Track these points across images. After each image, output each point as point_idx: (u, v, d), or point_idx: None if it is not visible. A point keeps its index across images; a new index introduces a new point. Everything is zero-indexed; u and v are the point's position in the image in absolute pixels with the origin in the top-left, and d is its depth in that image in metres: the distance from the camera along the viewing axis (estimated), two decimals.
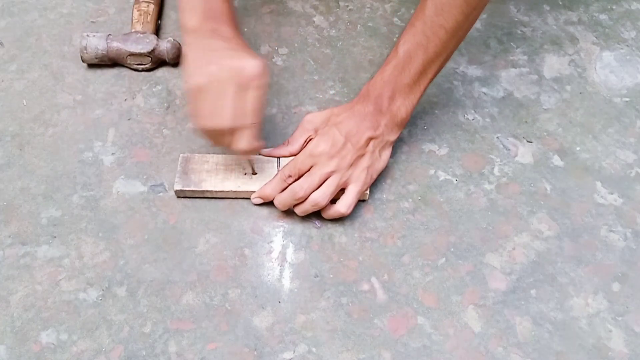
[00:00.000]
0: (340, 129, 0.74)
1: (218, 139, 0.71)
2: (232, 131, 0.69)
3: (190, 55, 0.69)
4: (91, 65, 0.91)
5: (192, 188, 0.77)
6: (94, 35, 0.88)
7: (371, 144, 0.75)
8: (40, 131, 0.84)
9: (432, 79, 0.76)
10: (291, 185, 0.74)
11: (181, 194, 0.78)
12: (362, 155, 0.74)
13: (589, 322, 0.71)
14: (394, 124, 0.76)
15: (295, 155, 0.78)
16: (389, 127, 0.76)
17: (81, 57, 0.89)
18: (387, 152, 0.78)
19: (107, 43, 0.88)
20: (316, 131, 0.78)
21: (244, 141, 0.70)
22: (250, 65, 0.67)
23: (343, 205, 0.74)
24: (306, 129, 0.79)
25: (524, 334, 0.70)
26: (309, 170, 0.74)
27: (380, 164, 0.77)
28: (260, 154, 0.79)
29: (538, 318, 0.71)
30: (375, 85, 0.75)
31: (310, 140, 0.78)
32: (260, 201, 0.77)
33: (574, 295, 0.72)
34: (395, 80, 0.75)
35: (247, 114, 0.68)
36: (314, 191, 0.73)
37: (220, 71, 0.66)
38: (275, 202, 0.76)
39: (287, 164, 0.75)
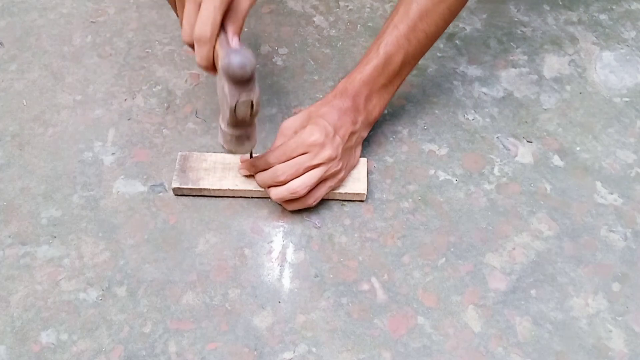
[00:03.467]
0: (328, 119, 0.73)
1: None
2: (193, 43, 0.65)
3: None
4: (92, 65, 0.91)
5: (189, 186, 0.77)
6: None
7: (352, 139, 0.76)
8: (40, 131, 0.84)
9: (404, 80, 0.78)
10: (275, 167, 0.72)
11: (179, 192, 0.78)
12: (346, 149, 0.75)
13: (589, 322, 0.71)
14: (368, 122, 0.78)
15: (275, 164, 0.74)
16: (364, 124, 0.77)
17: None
18: (359, 149, 0.79)
19: None
20: (296, 133, 0.75)
21: (197, 56, 0.65)
22: None
23: (311, 197, 0.74)
24: (286, 135, 0.76)
25: (524, 334, 0.70)
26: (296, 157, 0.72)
27: (354, 161, 0.78)
28: (240, 163, 0.78)
29: (538, 318, 0.71)
30: (354, 84, 0.75)
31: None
32: (245, 173, 0.77)
33: (574, 295, 0.72)
34: (373, 80, 0.75)
35: (200, 27, 0.63)
36: (295, 177, 0.72)
37: None
38: (256, 178, 0.75)
39: (276, 151, 0.73)
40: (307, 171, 0.72)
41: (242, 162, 0.77)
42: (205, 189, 0.77)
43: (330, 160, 0.72)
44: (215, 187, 0.77)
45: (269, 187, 0.74)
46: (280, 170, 0.72)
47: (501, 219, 0.78)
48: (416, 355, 0.68)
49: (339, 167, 0.74)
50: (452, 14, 0.76)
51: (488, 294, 0.72)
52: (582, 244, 0.76)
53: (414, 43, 0.75)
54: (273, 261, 0.74)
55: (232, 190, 0.77)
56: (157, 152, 0.83)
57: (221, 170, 0.79)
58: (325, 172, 0.73)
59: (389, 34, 0.75)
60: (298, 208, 0.76)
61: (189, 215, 0.77)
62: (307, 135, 0.72)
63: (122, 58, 0.93)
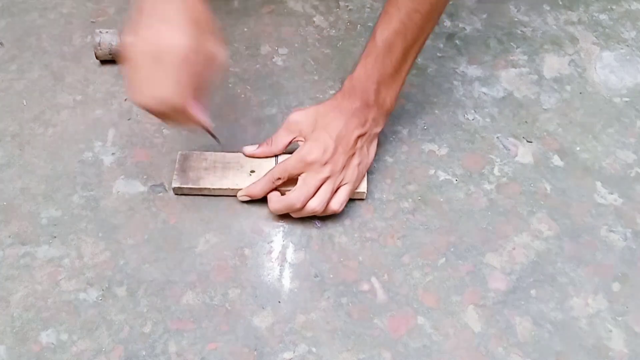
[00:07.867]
0: (330, 132, 0.73)
1: (151, 114, 0.65)
2: (159, 110, 0.63)
3: (131, 20, 0.62)
4: (92, 65, 0.91)
5: (190, 185, 0.77)
6: (107, 32, 0.89)
7: (359, 141, 0.75)
8: (40, 131, 0.84)
9: (412, 65, 0.76)
10: (287, 197, 0.73)
11: (179, 192, 0.78)
12: (352, 155, 0.75)
13: (589, 322, 0.71)
14: (380, 115, 0.77)
15: (277, 155, 0.79)
16: (376, 120, 0.77)
17: (95, 53, 0.89)
18: (374, 145, 0.78)
19: (120, 38, 0.88)
20: (301, 132, 0.77)
21: (181, 120, 0.65)
22: (168, 38, 0.59)
23: (336, 204, 0.74)
24: (291, 130, 0.77)
25: (524, 334, 0.70)
26: (298, 174, 0.74)
27: (369, 159, 0.78)
28: (244, 154, 0.79)
29: (538, 318, 0.71)
30: (360, 79, 0.75)
31: (295, 141, 0.78)
32: (247, 199, 0.77)
33: (574, 295, 0.72)
34: (378, 72, 0.74)
35: (169, 92, 0.61)
36: (309, 199, 0.73)
37: (138, 43, 0.60)
38: (270, 208, 0.75)
39: (276, 166, 0.75)
40: (318, 189, 0.73)
41: (244, 191, 0.77)
42: (205, 188, 0.77)
43: (334, 172, 0.73)
44: (215, 187, 0.77)
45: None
46: (295, 199, 0.72)
47: (501, 219, 0.78)
48: (416, 355, 0.68)
49: (343, 176, 0.74)
50: None
51: (488, 294, 0.72)
52: (582, 244, 0.76)
53: (411, 26, 0.72)
54: (273, 261, 0.74)
55: (233, 189, 0.77)
56: (157, 152, 0.83)
57: (221, 169, 0.79)
58: (335, 182, 0.73)
59: (382, 21, 0.73)
60: (327, 214, 0.76)
61: (189, 215, 0.77)
62: (305, 153, 0.73)
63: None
